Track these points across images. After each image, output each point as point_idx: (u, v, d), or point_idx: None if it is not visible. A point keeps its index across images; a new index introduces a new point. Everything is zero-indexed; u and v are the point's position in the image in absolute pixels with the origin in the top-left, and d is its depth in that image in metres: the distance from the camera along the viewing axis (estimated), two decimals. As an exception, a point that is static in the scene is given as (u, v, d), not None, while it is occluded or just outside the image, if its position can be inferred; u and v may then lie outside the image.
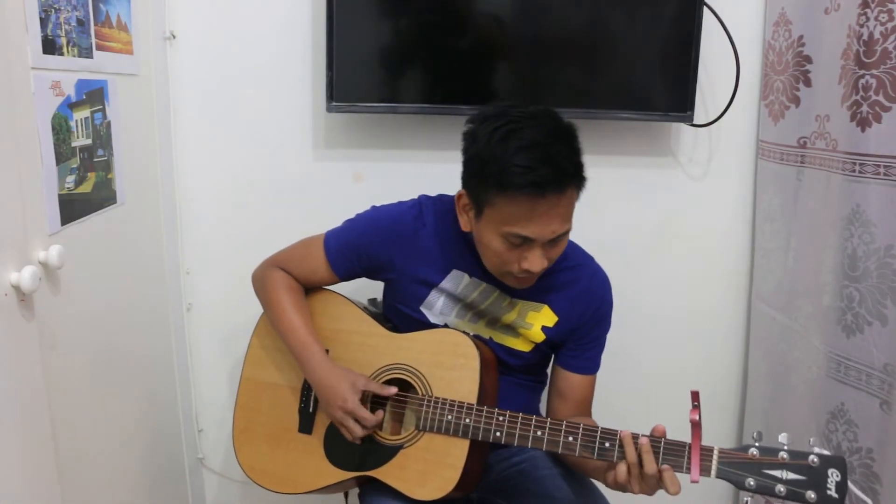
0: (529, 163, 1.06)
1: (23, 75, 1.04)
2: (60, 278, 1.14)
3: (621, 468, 1.05)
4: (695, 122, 1.63)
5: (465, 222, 1.19)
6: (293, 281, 1.34)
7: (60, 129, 1.14)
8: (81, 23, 1.21)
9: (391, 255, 1.27)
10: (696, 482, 1.02)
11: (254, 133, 1.66)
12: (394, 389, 1.23)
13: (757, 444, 1.02)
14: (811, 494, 0.98)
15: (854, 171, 1.33)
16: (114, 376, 1.37)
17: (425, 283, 1.27)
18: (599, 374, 1.35)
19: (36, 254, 1.06)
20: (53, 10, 1.12)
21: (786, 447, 1.01)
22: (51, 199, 1.12)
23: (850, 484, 0.99)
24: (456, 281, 1.27)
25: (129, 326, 1.44)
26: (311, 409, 1.31)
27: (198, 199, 1.68)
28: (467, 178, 1.16)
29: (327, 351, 1.31)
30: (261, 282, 1.37)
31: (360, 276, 1.34)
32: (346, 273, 1.32)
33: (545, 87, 1.58)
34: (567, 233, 1.14)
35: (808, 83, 1.51)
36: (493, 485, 1.33)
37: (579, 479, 1.29)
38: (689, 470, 1.03)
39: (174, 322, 1.67)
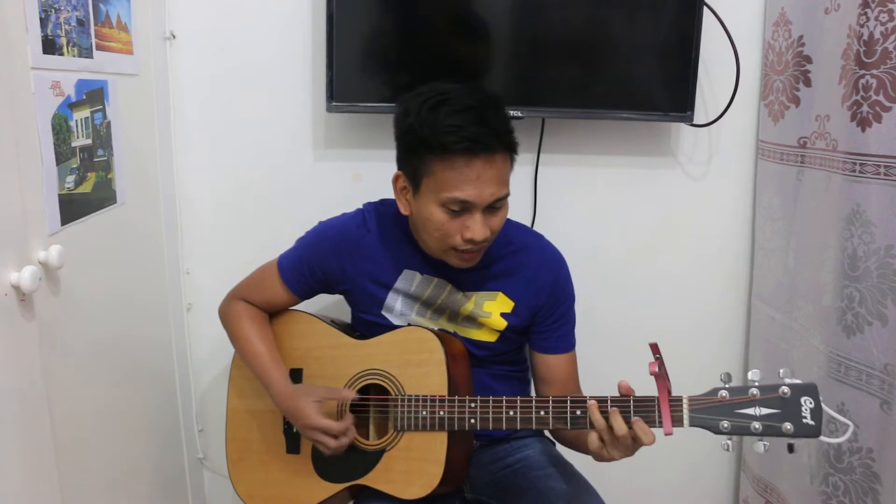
0: (462, 122, 1.09)
1: (23, 75, 1.04)
2: (60, 278, 1.14)
3: (592, 438, 1.06)
4: (695, 122, 1.63)
5: (404, 205, 1.21)
6: (255, 309, 1.36)
7: (60, 129, 1.14)
8: (81, 23, 1.21)
9: (342, 265, 1.29)
10: (671, 434, 1.01)
11: (254, 133, 1.66)
12: (351, 394, 1.24)
13: (727, 386, 1.01)
14: (787, 426, 0.97)
15: (854, 171, 1.33)
16: (114, 376, 1.37)
17: (380, 285, 1.29)
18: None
19: (36, 254, 1.06)
20: (53, 10, 1.11)
21: (756, 383, 1.00)
22: (51, 199, 1.12)
23: (825, 408, 0.97)
24: (408, 280, 1.29)
25: (129, 326, 1.44)
26: (294, 430, 1.31)
27: (198, 199, 1.68)
28: (402, 155, 1.18)
29: (301, 370, 1.33)
30: (225, 315, 1.39)
31: (318, 292, 1.36)
32: (302, 291, 1.34)
33: (545, 87, 1.58)
34: (505, 198, 1.16)
35: (808, 83, 1.51)
36: (488, 485, 1.33)
37: (574, 478, 1.29)
38: (661, 424, 1.02)
39: (174, 322, 1.67)
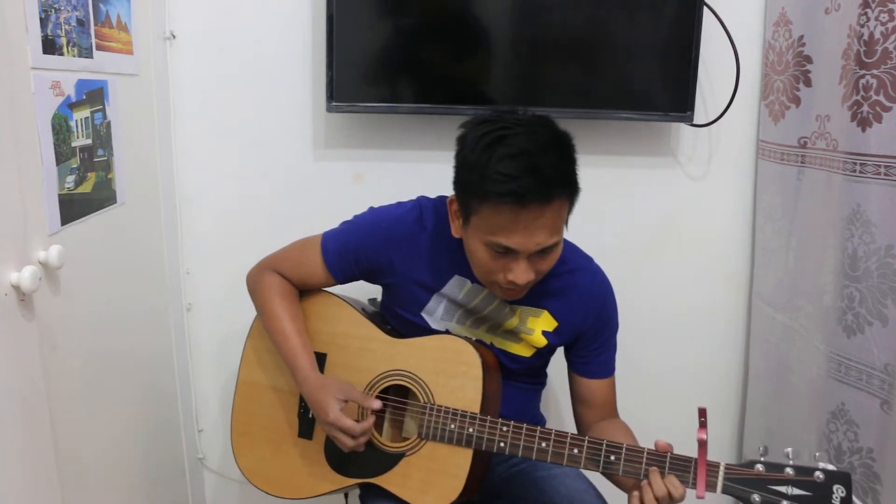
0: (512, 171, 1.02)
1: (23, 75, 1.04)
2: (60, 278, 1.14)
3: (633, 499, 1.06)
4: (695, 122, 1.63)
5: (455, 228, 1.17)
6: (287, 284, 1.32)
7: (60, 129, 1.14)
8: (81, 23, 1.21)
9: (391, 259, 1.25)
10: (702, 497, 1.03)
11: (254, 133, 1.66)
12: (377, 404, 1.21)
13: (763, 460, 1.03)
14: None
15: (854, 171, 1.33)
16: (114, 376, 1.37)
17: (426, 287, 1.26)
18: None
19: (36, 254, 1.06)
20: (53, 10, 1.11)
21: (791, 462, 1.01)
22: (51, 199, 1.12)
23: (856, 500, 1.00)
24: (457, 287, 1.25)
25: (129, 326, 1.44)
26: (310, 415, 1.29)
27: (198, 199, 1.68)
28: (456, 183, 1.14)
29: (325, 355, 1.30)
30: (254, 285, 1.35)
31: (357, 280, 1.32)
32: (343, 277, 1.30)
33: (545, 87, 1.58)
34: (556, 245, 1.11)
35: (808, 83, 1.51)
36: (493, 486, 1.32)
37: (579, 479, 1.29)
38: (695, 485, 1.04)
39: (174, 322, 1.67)
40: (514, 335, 1.27)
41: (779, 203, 1.61)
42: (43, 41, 1.09)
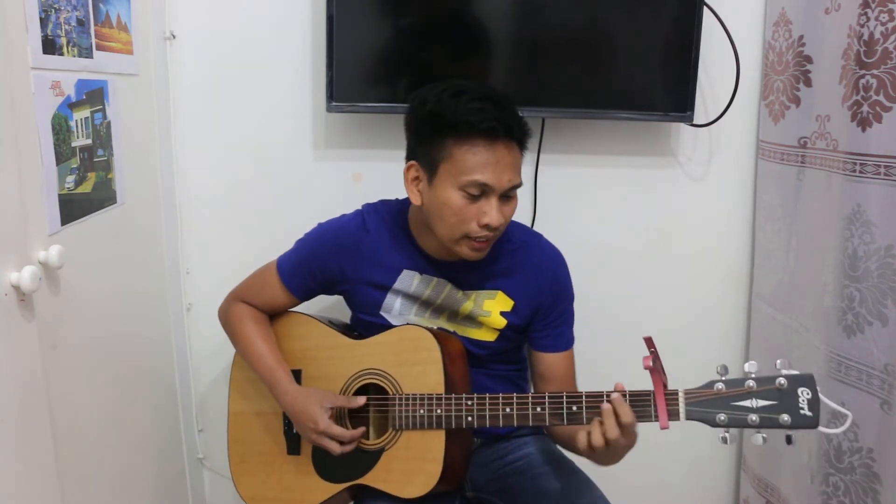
0: (485, 108, 1.13)
1: (23, 75, 1.04)
2: (60, 278, 1.14)
3: (581, 437, 1.06)
4: (695, 122, 1.63)
5: (415, 196, 1.21)
6: (255, 311, 1.36)
7: (60, 129, 1.14)
8: (81, 23, 1.21)
9: (341, 267, 1.30)
10: (667, 428, 1.00)
11: (254, 133, 1.66)
12: (362, 400, 1.24)
13: (723, 378, 1.01)
14: (785, 417, 0.96)
15: (854, 171, 1.33)
16: (114, 376, 1.37)
17: (379, 287, 1.29)
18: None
19: (36, 254, 1.06)
20: (53, 10, 1.11)
21: (753, 375, 0.99)
22: (51, 199, 1.12)
23: (823, 398, 0.96)
24: (408, 280, 1.29)
25: (129, 326, 1.44)
26: (294, 431, 1.32)
27: (198, 199, 1.67)
28: (417, 143, 1.20)
29: (300, 371, 1.33)
30: (225, 317, 1.40)
31: (318, 294, 1.37)
32: (302, 293, 1.35)
33: (545, 87, 1.58)
34: (518, 186, 1.18)
35: (808, 83, 1.51)
36: (489, 484, 1.33)
37: (575, 475, 1.29)
38: (657, 418, 1.01)
39: (174, 322, 1.67)
40: (473, 320, 1.29)
41: (779, 203, 1.61)
42: (43, 41, 1.09)
